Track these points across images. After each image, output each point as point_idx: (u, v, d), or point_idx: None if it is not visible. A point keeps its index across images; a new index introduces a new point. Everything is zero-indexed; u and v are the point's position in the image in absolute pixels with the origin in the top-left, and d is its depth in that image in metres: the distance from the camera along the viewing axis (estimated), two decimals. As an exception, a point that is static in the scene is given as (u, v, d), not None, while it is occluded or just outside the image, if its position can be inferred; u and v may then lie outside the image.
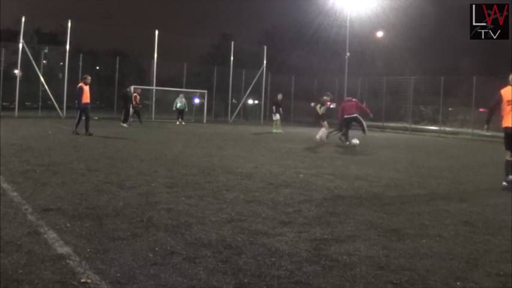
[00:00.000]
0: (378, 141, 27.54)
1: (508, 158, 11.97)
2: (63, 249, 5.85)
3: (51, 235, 6.40)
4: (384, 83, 50.71)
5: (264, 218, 7.84)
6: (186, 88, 49.46)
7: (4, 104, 48.74)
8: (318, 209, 8.76)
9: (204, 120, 49.00)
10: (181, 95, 42.66)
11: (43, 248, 5.85)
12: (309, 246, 6.43)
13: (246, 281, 5.13)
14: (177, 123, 40.35)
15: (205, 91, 50.24)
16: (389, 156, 19.94)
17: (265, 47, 56.92)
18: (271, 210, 8.43)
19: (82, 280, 4.92)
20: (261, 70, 56.07)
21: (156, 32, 49.72)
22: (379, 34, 64.17)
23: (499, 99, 12.02)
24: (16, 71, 47.32)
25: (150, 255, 5.80)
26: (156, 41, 49.59)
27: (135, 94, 37.10)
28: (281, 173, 13.17)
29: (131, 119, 35.85)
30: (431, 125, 49.21)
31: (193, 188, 10.41)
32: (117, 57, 51.66)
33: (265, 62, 56.15)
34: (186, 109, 43.07)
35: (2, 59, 47.18)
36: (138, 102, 37.69)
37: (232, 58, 54.98)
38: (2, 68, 47.12)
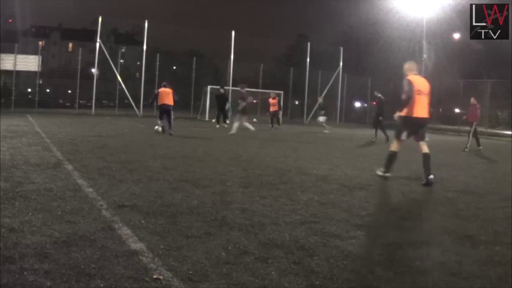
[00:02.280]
0: (454, 145, 27.03)
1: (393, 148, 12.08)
2: (136, 245, 5.91)
3: (125, 231, 6.48)
4: (460, 85, 50.03)
5: (337, 220, 7.77)
6: (262, 89, 49.58)
7: (81, 101, 49.94)
8: (392, 213, 8.65)
9: (280, 121, 49.16)
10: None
11: (116, 244, 5.92)
12: (382, 250, 6.34)
13: (317, 283, 5.07)
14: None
15: (281, 92, 50.34)
16: (464, 160, 19.60)
17: (341, 48, 56.75)
18: (345, 213, 8.35)
19: (154, 276, 4.96)
20: (337, 72, 55.93)
21: (233, 32, 50.05)
22: (456, 36, 63.20)
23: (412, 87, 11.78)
24: (93, 70, 48.40)
25: (223, 254, 5.80)
26: (233, 42, 49.92)
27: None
28: (356, 175, 13.05)
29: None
30: (507, 130, 48.22)
31: (267, 188, 10.40)
32: (194, 58, 52.23)
33: (341, 63, 55.98)
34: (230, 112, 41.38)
35: (80, 58, 48.27)
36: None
37: (308, 59, 54.94)
38: (79, 67, 48.23)
